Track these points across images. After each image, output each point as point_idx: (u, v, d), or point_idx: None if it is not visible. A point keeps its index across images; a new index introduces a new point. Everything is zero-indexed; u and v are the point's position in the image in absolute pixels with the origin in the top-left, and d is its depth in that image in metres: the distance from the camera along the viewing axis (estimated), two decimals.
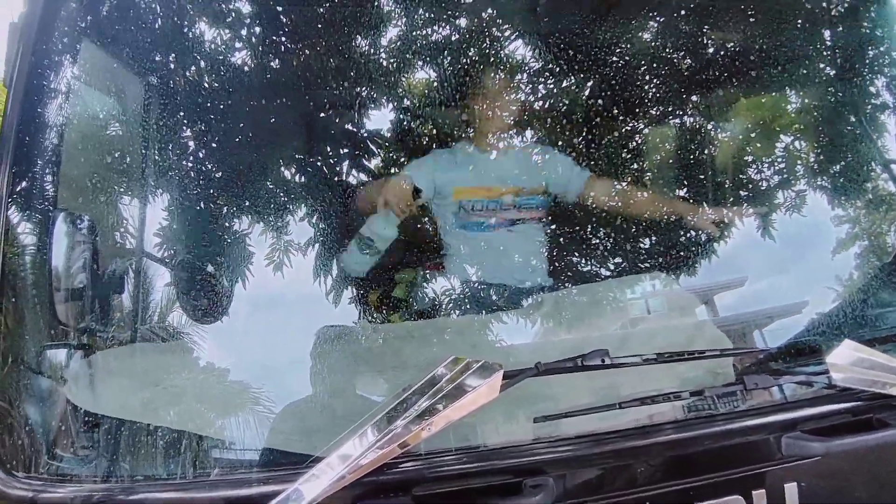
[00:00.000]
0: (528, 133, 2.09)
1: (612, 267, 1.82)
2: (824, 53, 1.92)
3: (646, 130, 2.19)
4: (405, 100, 1.95)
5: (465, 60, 1.92)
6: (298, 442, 1.19)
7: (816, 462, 1.16)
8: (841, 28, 1.89)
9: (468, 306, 1.61)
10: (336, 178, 1.87)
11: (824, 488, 1.18)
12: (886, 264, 1.61)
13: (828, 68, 1.98)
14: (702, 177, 2.14)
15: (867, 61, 1.87)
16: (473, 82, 1.89)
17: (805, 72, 1.99)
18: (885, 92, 1.87)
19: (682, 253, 1.67)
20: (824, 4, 1.83)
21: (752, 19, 1.95)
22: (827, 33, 1.93)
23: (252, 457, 1.23)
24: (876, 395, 1.20)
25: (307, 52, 1.68)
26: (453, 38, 1.88)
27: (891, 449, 1.19)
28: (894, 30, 1.78)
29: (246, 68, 1.64)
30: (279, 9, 1.59)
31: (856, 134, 1.87)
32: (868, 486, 1.20)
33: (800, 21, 1.87)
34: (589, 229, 1.93)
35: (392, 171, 2.10)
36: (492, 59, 1.93)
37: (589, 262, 1.90)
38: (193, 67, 1.56)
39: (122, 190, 1.42)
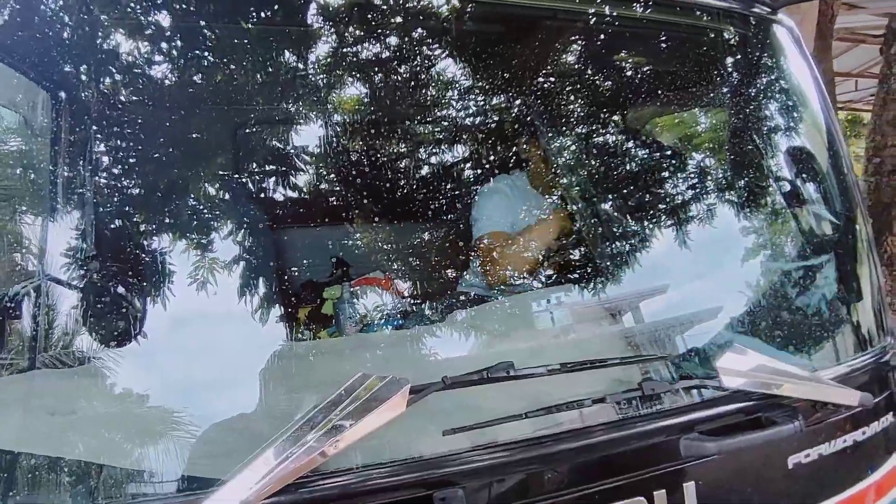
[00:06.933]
0: None
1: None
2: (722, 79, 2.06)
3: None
4: (334, 116, 1.97)
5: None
6: (212, 468, 1.15)
7: (711, 461, 1.23)
8: (737, 58, 2.03)
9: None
10: (256, 195, 1.85)
11: (720, 485, 1.25)
12: (777, 273, 1.74)
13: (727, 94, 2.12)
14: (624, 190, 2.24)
15: (760, 87, 2.02)
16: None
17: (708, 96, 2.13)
18: (778, 115, 2.03)
19: (589, 266, 1.74)
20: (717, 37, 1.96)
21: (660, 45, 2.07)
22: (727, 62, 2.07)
23: (162, 487, 1.18)
24: (764, 396, 1.29)
25: (226, 67, 1.66)
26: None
27: (777, 445, 1.28)
28: (780, 62, 1.93)
29: (162, 81, 1.60)
30: (201, 23, 1.57)
31: (754, 153, 2.01)
32: (758, 481, 1.29)
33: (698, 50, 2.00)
34: None
35: (321, 186, 2.10)
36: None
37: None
38: (107, 79, 1.51)
39: (22, 208, 1.35)
